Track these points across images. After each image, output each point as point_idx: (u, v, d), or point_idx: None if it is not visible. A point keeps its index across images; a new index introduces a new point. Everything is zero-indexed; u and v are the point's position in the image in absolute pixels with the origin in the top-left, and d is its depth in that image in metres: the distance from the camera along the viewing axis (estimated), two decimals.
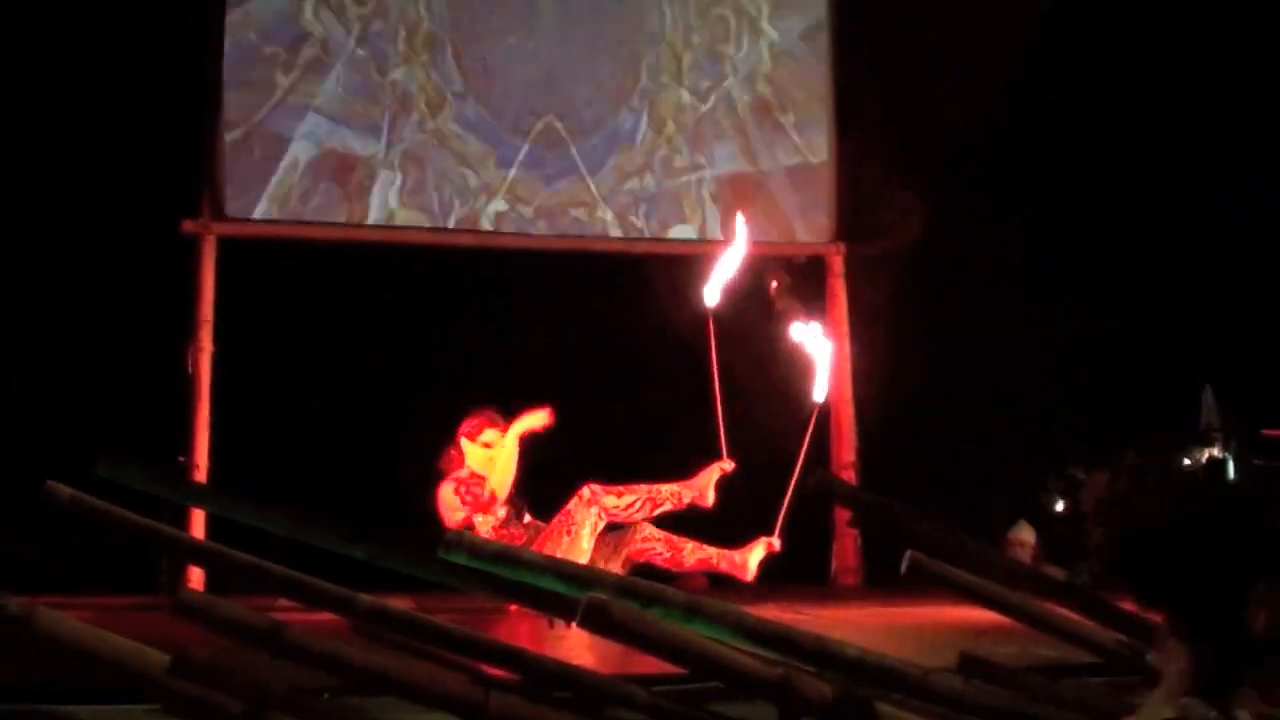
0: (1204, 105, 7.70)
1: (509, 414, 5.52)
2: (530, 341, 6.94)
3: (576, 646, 3.80)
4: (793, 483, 5.21)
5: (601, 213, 7.30)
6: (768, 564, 5.37)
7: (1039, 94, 7.63)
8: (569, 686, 2.57)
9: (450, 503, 5.37)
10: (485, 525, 5.34)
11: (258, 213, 6.86)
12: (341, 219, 6.96)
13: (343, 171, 6.97)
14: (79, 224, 6.52)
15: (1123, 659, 2.89)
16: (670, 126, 7.44)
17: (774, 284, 6.18)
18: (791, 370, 5.94)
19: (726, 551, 5.37)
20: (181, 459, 6.51)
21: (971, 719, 2.55)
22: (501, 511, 5.40)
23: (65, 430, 6.08)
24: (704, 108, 7.50)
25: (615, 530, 5.37)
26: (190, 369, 6.63)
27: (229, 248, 6.81)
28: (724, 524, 5.48)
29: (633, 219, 7.34)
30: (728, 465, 5.42)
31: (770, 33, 7.64)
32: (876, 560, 6.97)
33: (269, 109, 6.89)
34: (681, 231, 7.39)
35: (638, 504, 5.35)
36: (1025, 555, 6.95)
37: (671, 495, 5.39)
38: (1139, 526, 1.65)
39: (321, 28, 6.99)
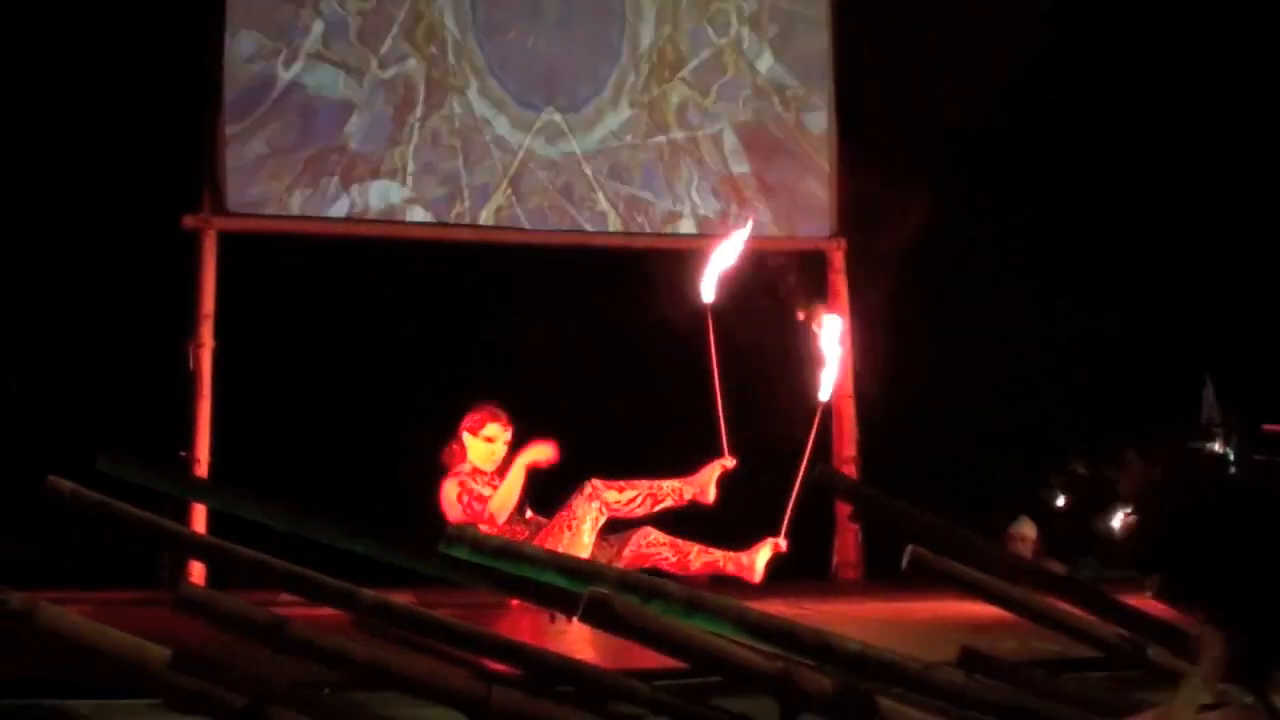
0: (1204, 101, 7.70)
1: (511, 409, 5.53)
2: (532, 336, 6.94)
3: (578, 641, 3.80)
4: (798, 482, 5.21)
5: (603, 207, 7.30)
6: (770, 559, 5.37)
7: (1039, 91, 7.63)
8: (570, 681, 2.58)
9: (452, 499, 5.37)
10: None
11: (258, 207, 6.86)
12: (342, 214, 6.96)
13: (343, 166, 6.96)
14: (80, 219, 6.51)
15: (1124, 654, 2.89)
16: (671, 121, 7.44)
17: (789, 289, 6.20)
18: (795, 367, 5.95)
19: (733, 553, 5.36)
20: (183, 454, 6.51)
21: (972, 713, 2.56)
22: None
23: (66, 426, 6.07)
24: (705, 103, 7.49)
25: (614, 533, 5.37)
26: (191, 364, 6.62)
27: (230, 242, 6.81)
28: (728, 522, 5.48)
29: (634, 213, 7.34)
30: (729, 462, 5.42)
31: (772, 28, 7.63)
32: (878, 555, 6.97)
33: (270, 103, 6.88)
34: (682, 226, 7.38)
35: (639, 499, 5.35)
36: (1026, 550, 6.96)
37: (673, 491, 5.39)
38: (1176, 515, 1.66)
39: (323, 21, 6.98)
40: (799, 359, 5.96)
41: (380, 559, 2.83)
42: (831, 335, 5.70)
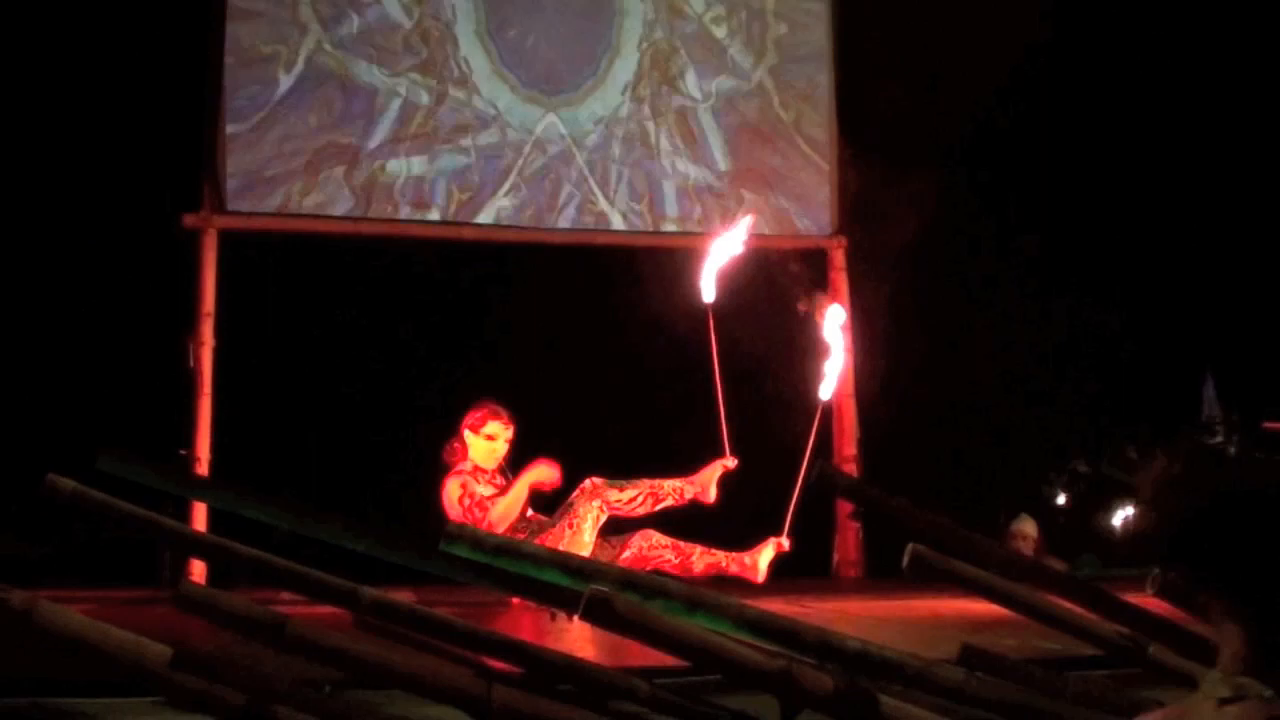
0: (1205, 99, 7.69)
1: (511, 407, 5.53)
2: (533, 335, 6.94)
3: (578, 639, 3.80)
4: (799, 482, 5.20)
5: (603, 206, 7.30)
6: (773, 559, 5.37)
7: (1040, 88, 7.62)
8: (571, 679, 2.58)
9: (454, 499, 5.37)
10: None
11: (259, 206, 6.86)
12: (342, 212, 6.96)
13: (344, 165, 6.96)
14: (81, 218, 6.52)
15: (1125, 651, 2.89)
16: (672, 119, 7.43)
17: (801, 299, 6.20)
18: (796, 366, 5.94)
19: (736, 554, 5.35)
20: (183, 452, 6.51)
21: (973, 711, 2.56)
22: None
23: (66, 424, 6.07)
24: (705, 101, 7.49)
25: (616, 534, 5.37)
26: (192, 363, 6.62)
27: (230, 241, 6.81)
28: (729, 521, 5.48)
29: (635, 212, 7.34)
30: (730, 462, 5.41)
31: (772, 24, 7.63)
32: (878, 553, 6.97)
33: (270, 102, 6.88)
34: (682, 224, 7.38)
35: (640, 498, 5.34)
36: (1027, 548, 6.95)
37: (674, 491, 5.38)
38: (1195, 506, 1.66)
39: (323, 22, 6.98)
40: (800, 358, 5.96)
41: (381, 557, 2.83)
42: (834, 326, 5.69)
